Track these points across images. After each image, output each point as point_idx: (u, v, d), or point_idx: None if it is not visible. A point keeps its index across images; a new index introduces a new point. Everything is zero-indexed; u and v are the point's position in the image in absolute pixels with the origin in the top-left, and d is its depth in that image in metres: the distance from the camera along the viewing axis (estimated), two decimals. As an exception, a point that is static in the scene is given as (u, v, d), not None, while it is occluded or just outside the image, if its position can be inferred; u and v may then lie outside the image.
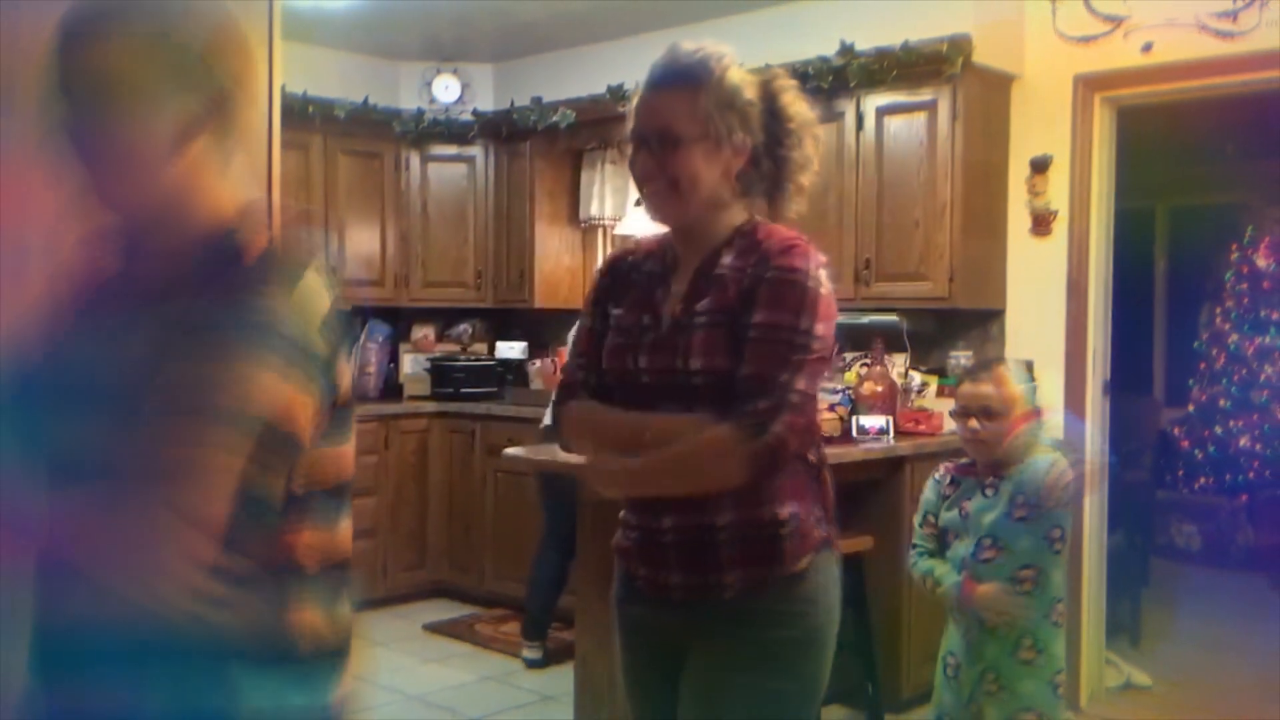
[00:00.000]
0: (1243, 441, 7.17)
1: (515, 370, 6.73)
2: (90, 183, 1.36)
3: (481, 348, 6.93)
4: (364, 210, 6.46)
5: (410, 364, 6.72)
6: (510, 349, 6.80)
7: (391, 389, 6.67)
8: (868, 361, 4.95)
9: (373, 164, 6.51)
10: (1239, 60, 4.35)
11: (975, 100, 4.74)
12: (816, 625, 2.01)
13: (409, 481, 6.26)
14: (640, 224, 6.00)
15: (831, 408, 4.59)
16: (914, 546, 3.30)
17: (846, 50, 4.88)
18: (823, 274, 1.95)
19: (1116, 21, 4.61)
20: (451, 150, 6.64)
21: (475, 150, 6.65)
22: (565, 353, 5.49)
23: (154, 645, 1.26)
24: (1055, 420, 4.68)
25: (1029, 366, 4.71)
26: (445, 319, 6.96)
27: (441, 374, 6.53)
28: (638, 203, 2.13)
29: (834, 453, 4.21)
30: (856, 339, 5.13)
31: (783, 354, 1.89)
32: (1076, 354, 4.77)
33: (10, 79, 1.66)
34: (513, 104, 6.47)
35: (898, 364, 5.04)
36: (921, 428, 4.77)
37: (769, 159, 2.05)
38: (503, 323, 7.00)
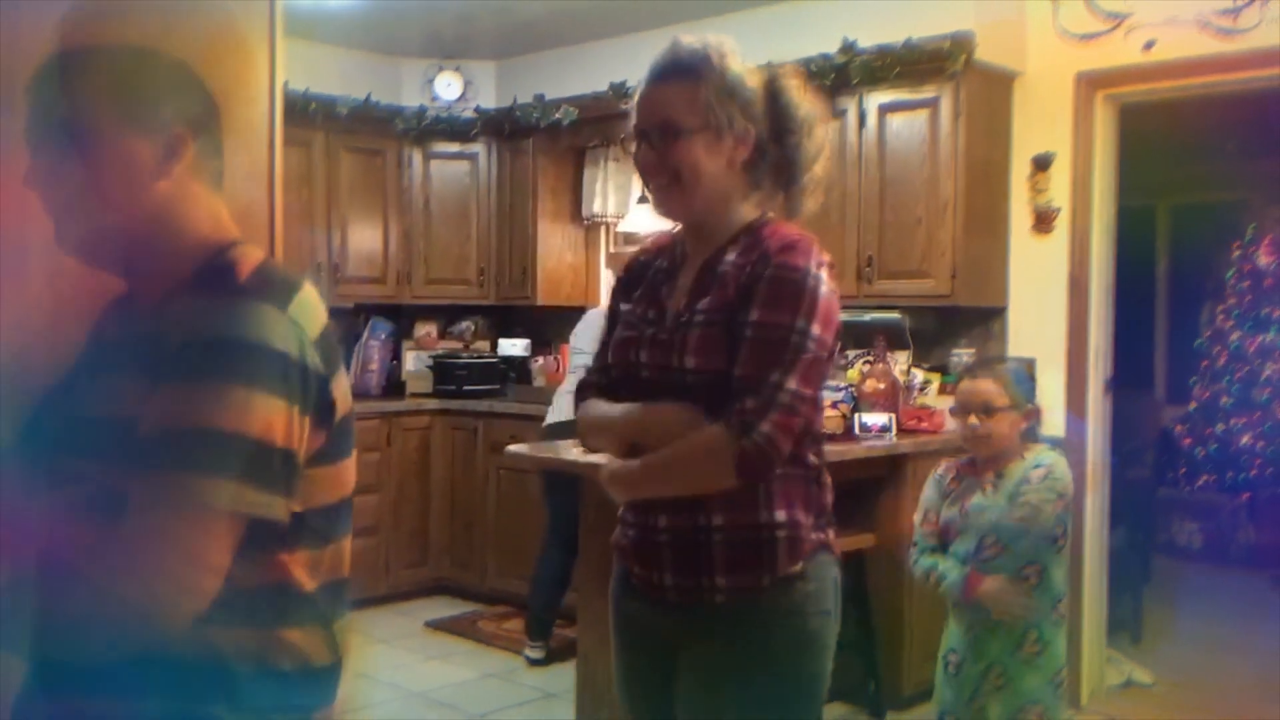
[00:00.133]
0: (1244, 440, 7.17)
1: (518, 367, 6.73)
2: (62, 231, 1.35)
3: (484, 345, 6.93)
4: (366, 208, 6.46)
5: (413, 361, 6.73)
6: (513, 346, 6.81)
7: (394, 386, 6.67)
8: (870, 359, 4.95)
9: (375, 161, 6.51)
10: (1241, 58, 4.34)
11: (977, 98, 4.74)
12: (811, 629, 1.99)
13: (411, 479, 6.27)
14: (643, 221, 6.00)
15: (834, 405, 4.59)
16: (915, 544, 3.30)
17: (848, 48, 4.88)
18: (824, 273, 1.92)
19: (1118, 19, 4.61)
20: (454, 148, 6.64)
21: (478, 147, 6.65)
22: (568, 350, 5.50)
23: (147, 659, 1.25)
24: (1055, 418, 4.71)
25: (1029, 365, 4.73)
26: (448, 316, 6.97)
27: (444, 371, 6.53)
28: (641, 199, 2.13)
29: (836, 450, 4.25)
30: (858, 337, 5.13)
31: (775, 353, 1.86)
32: (1078, 352, 4.77)
33: (10, 79, 1.67)
34: (515, 101, 6.47)
35: (900, 362, 5.04)
36: (924, 425, 4.77)
37: (776, 150, 2.02)
38: (505, 320, 7.00)
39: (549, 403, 5.36)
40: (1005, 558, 3.07)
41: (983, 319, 5.01)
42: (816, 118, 2.05)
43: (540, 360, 6.73)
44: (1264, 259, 7.36)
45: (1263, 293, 7.32)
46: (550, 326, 6.73)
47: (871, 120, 4.92)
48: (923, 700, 3.91)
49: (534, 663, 5.17)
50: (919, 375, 5.01)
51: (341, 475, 1.42)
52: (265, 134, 2.38)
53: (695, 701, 2.00)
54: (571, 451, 4.11)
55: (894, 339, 5.06)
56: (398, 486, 6.18)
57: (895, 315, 5.06)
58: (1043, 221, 4.83)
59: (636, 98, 2.03)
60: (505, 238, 6.62)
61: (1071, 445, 4.73)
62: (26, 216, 1.64)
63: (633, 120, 2.03)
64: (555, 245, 6.59)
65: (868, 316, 5.06)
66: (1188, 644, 5.57)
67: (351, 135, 6.35)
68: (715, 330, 1.93)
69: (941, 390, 4.86)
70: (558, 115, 6.17)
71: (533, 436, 5.24)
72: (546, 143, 6.41)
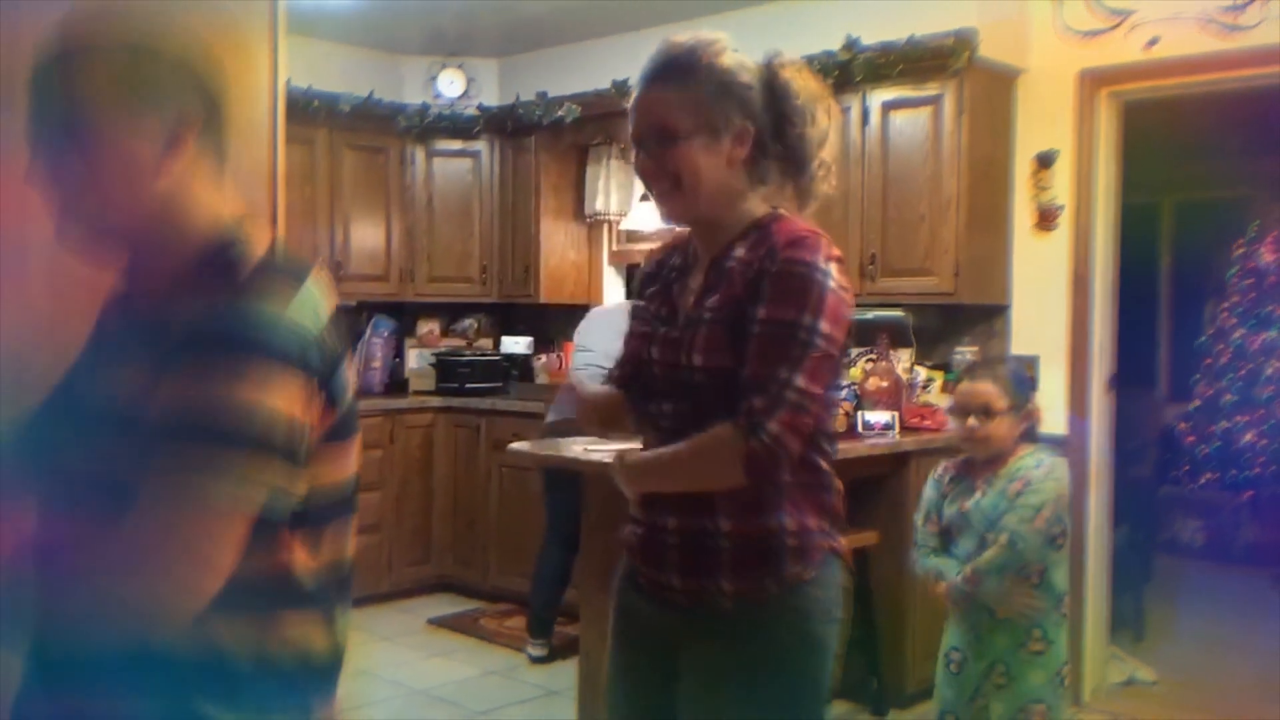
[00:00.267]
0: (1247, 437, 7.16)
1: (520, 365, 6.73)
2: (69, 209, 1.35)
3: (486, 343, 6.93)
4: (369, 205, 6.46)
5: (415, 359, 6.73)
6: (515, 344, 6.81)
7: (397, 384, 6.68)
8: (873, 357, 4.94)
9: (377, 159, 6.51)
10: (1244, 55, 4.34)
11: (980, 95, 4.74)
12: (817, 634, 1.97)
13: (414, 476, 6.27)
14: (646, 218, 6.01)
15: (837, 403, 4.58)
16: (917, 545, 3.31)
17: (851, 45, 4.88)
18: (833, 268, 1.88)
19: (1121, 17, 4.60)
20: (456, 145, 6.64)
21: (480, 145, 6.65)
22: (571, 348, 5.50)
23: (148, 650, 1.25)
24: (1057, 416, 4.70)
25: (1029, 364, 4.73)
26: (450, 314, 6.97)
27: (446, 369, 6.53)
28: (644, 197, 2.12)
29: (839, 448, 4.23)
30: (861, 334, 5.12)
31: (783, 350, 1.83)
32: (1080, 349, 4.76)
33: (10, 79, 1.66)
34: (518, 99, 6.47)
35: (903, 359, 5.04)
36: (926, 423, 4.76)
37: (778, 143, 1.99)
38: (508, 318, 7.00)
39: (551, 400, 5.35)
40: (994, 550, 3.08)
41: (985, 317, 5.00)
42: (818, 102, 2.00)
43: (543, 358, 6.73)
44: (1267, 257, 7.35)
45: (1265, 290, 7.31)
46: (553, 324, 6.73)
47: (874, 118, 4.92)
48: (925, 698, 3.91)
49: (536, 660, 5.17)
50: (922, 373, 5.01)
51: (347, 455, 1.41)
52: (267, 132, 2.38)
53: (696, 701, 1.98)
54: (573, 449, 4.11)
55: (897, 337, 5.06)
56: (400, 484, 6.18)
57: (898, 313, 5.06)
58: (1045, 219, 4.82)
59: (631, 103, 2.00)
60: (508, 235, 6.62)
61: (1074, 443, 4.73)
62: (26, 216, 1.64)
63: (629, 126, 2.00)
64: (558, 243, 6.59)
65: (870, 314, 5.06)
66: (1190, 642, 5.57)
67: (354, 133, 6.34)
68: (721, 328, 1.91)
69: (945, 388, 4.86)
70: (560, 113, 6.17)
71: (536, 434, 5.24)
72: (549, 140, 6.41)
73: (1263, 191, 7.37)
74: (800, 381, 1.83)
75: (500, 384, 6.54)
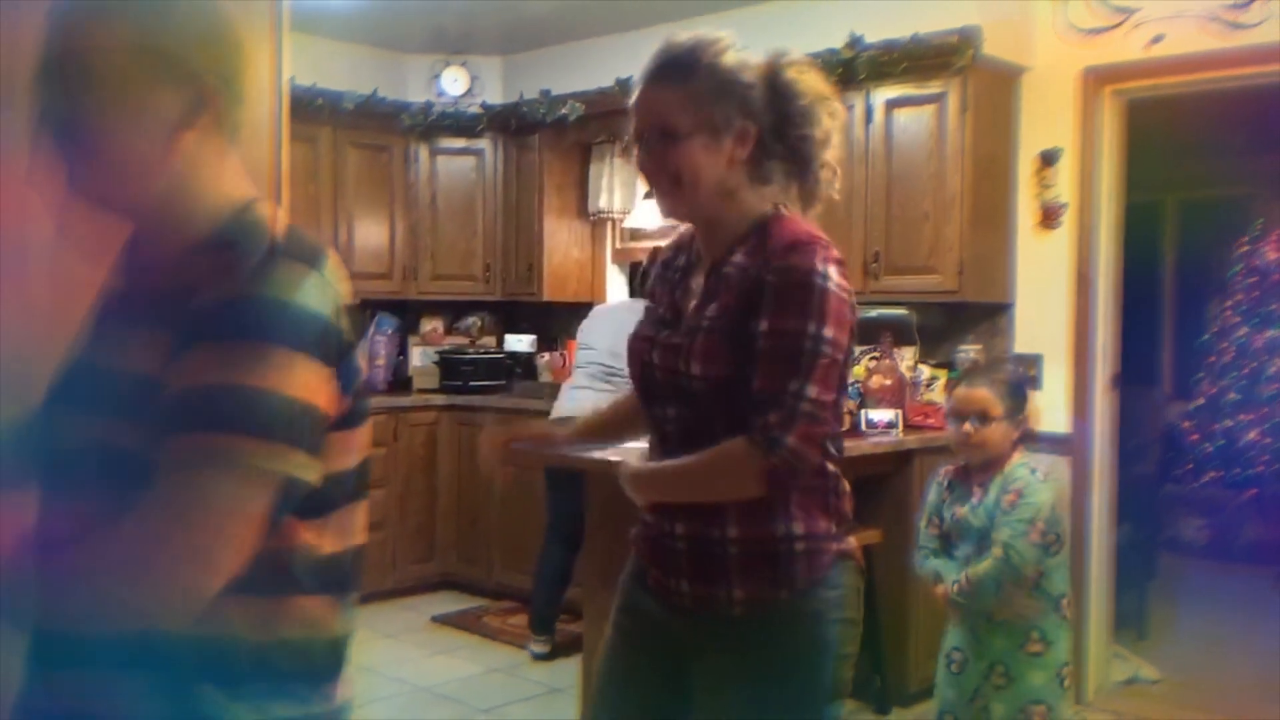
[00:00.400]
0: (1250, 436, 7.16)
1: (524, 363, 6.74)
2: (79, 181, 1.33)
3: (490, 341, 6.93)
4: (372, 203, 6.47)
5: (419, 357, 6.73)
6: (519, 342, 6.81)
7: (400, 382, 6.68)
8: (876, 355, 4.94)
9: (381, 157, 6.51)
10: (1249, 53, 4.33)
11: (984, 93, 4.74)
12: (830, 636, 1.94)
13: (417, 474, 6.27)
14: (649, 217, 6.00)
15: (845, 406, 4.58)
16: (919, 547, 3.32)
17: (855, 43, 4.88)
18: (833, 271, 1.85)
19: (1125, 14, 4.60)
20: (460, 143, 6.64)
21: (483, 143, 6.65)
22: (574, 346, 5.50)
23: (149, 643, 1.24)
24: (1057, 416, 4.70)
25: (1031, 363, 4.73)
26: (453, 312, 6.97)
27: (450, 367, 6.54)
28: (647, 195, 2.11)
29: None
30: (865, 333, 5.11)
31: (791, 361, 1.82)
32: (1084, 347, 4.76)
33: (10, 79, 1.66)
34: (521, 97, 6.47)
35: (906, 358, 5.03)
36: (930, 421, 4.76)
37: (780, 143, 1.97)
38: (511, 316, 7.00)
39: (555, 398, 5.36)
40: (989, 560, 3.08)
41: (989, 315, 5.00)
42: (823, 104, 1.98)
43: (546, 356, 6.73)
44: (1270, 255, 7.34)
45: (1269, 288, 7.31)
46: (556, 322, 6.73)
47: (878, 116, 4.91)
48: (927, 697, 3.91)
49: (538, 657, 5.18)
50: (925, 371, 5.00)
51: (358, 441, 1.40)
52: (271, 129, 2.38)
53: (710, 708, 1.96)
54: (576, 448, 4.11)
55: (900, 335, 5.06)
56: (404, 482, 6.19)
57: (902, 311, 5.05)
58: (1049, 217, 4.82)
59: (632, 101, 1.98)
60: (511, 233, 6.62)
61: (1076, 441, 4.73)
62: (26, 216, 1.64)
63: (630, 124, 1.99)
64: (561, 241, 6.59)
65: (874, 312, 5.05)
66: (1193, 641, 5.57)
67: (357, 131, 6.35)
68: (717, 337, 1.89)
69: (947, 387, 4.86)
70: (564, 111, 6.17)
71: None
72: (552, 138, 6.41)
73: (1266, 190, 7.37)
74: (812, 392, 1.82)
75: (504, 382, 6.55)
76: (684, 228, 2.14)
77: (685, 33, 1.98)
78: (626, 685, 2.11)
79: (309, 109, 5.85)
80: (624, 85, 5.70)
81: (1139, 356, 6.23)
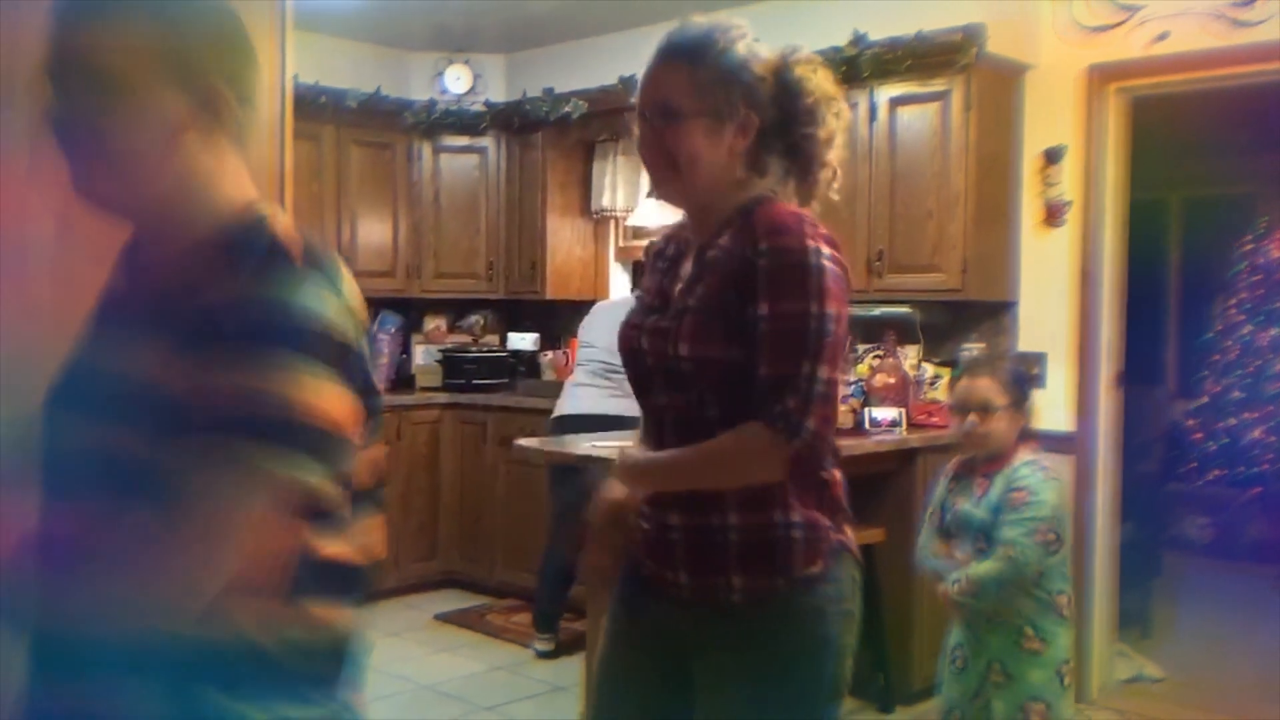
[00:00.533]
0: (1254, 434, 7.15)
1: (527, 362, 6.74)
2: (80, 179, 1.32)
3: (493, 339, 6.93)
4: (375, 201, 6.47)
5: (422, 355, 6.73)
6: (522, 340, 6.81)
7: (403, 380, 6.68)
8: (880, 353, 4.94)
9: (384, 155, 6.51)
10: (1254, 51, 4.32)
11: (988, 91, 4.73)
12: (830, 630, 1.94)
13: (421, 472, 6.27)
14: (653, 215, 6.00)
15: (844, 400, 4.58)
16: (922, 543, 3.31)
17: (859, 40, 4.87)
18: (824, 247, 1.84)
19: (1130, 12, 4.59)
20: (463, 141, 6.64)
21: (487, 141, 6.65)
22: (577, 344, 5.50)
23: (155, 645, 1.23)
24: (1061, 414, 4.70)
25: (1034, 362, 4.72)
26: (457, 310, 6.97)
27: (453, 365, 6.54)
28: (649, 194, 2.09)
29: (846, 445, 4.23)
30: (869, 331, 5.12)
31: (799, 344, 1.81)
32: (1088, 346, 4.76)
33: (10, 79, 1.66)
34: (524, 95, 6.47)
35: (910, 356, 5.03)
36: (934, 420, 4.76)
37: (782, 139, 1.97)
38: (514, 314, 7.00)
39: (558, 396, 5.35)
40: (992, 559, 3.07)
41: (993, 313, 4.99)
42: (829, 104, 1.97)
43: (549, 354, 6.73)
44: (1274, 253, 7.34)
45: (1273, 286, 7.30)
46: (559, 321, 6.73)
47: (882, 113, 4.91)
48: (931, 695, 3.91)
49: (542, 655, 5.18)
50: (929, 370, 5.00)
51: (376, 455, 1.40)
52: (274, 127, 2.38)
53: (714, 703, 1.95)
54: (579, 445, 4.11)
55: (904, 333, 5.05)
56: (407, 480, 6.19)
57: (905, 309, 5.05)
58: (1053, 215, 4.81)
59: (641, 75, 1.98)
60: (514, 232, 6.61)
61: (1080, 440, 4.73)
62: (26, 216, 1.63)
63: (635, 99, 1.98)
64: (564, 239, 6.58)
65: (878, 311, 5.06)
66: (1197, 639, 5.56)
67: (361, 129, 6.35)
68: (703, 318, 1.89)
69: (950, 383, 4.85)
70: (567, 109, 6.17)
71: (542, 430, 5.24)
72: (555, 136, 6.41)
73: (1270, 188, 7.36)
74: (824, 372, 1.82)
75: (506, 380, 6.55)
76: (679, 220, 2.13)
77: (703, 18, 1.98)
78: (627, 684, 2.10)
79: (312, 107, 5.84)
80: (627, 83, 5.68)
81: (1143, 355, 6.21)
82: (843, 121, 2.01)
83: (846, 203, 4.89)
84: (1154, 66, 4.58)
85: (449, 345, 6.74)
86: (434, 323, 6.89)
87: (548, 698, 4.75)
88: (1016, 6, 4.82)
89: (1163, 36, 4.52)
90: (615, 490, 2.04)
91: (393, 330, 6.62)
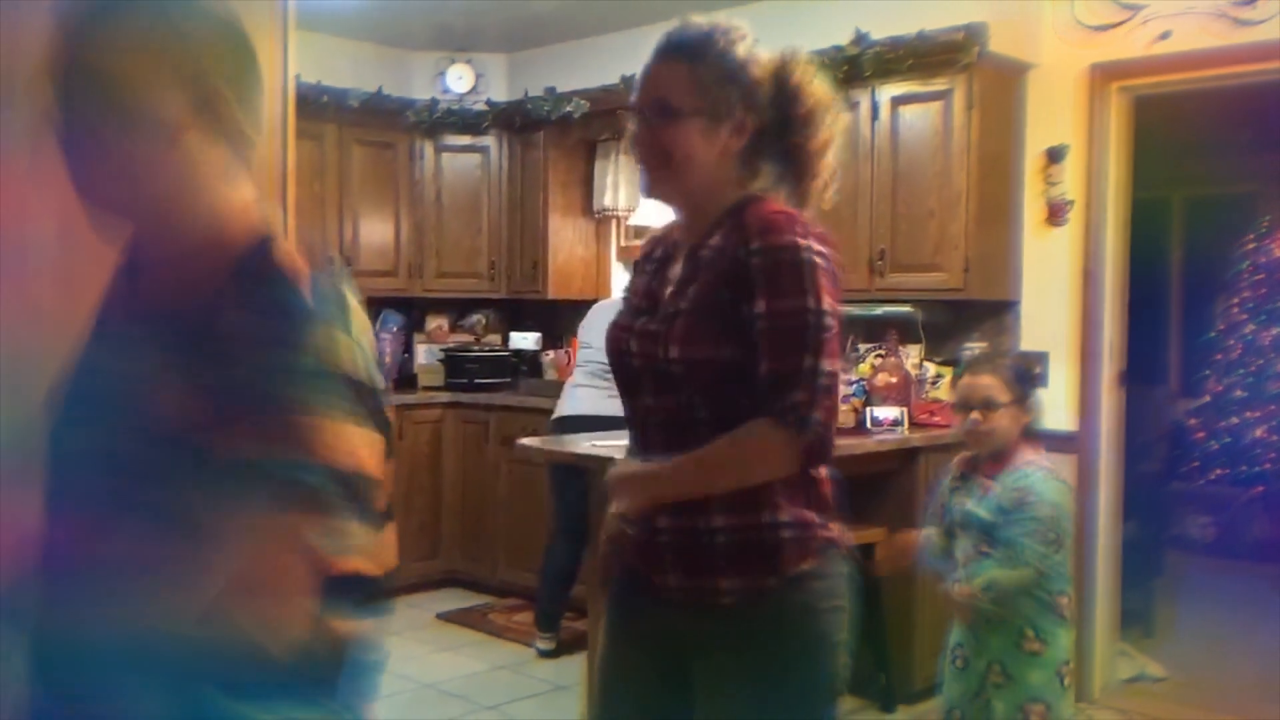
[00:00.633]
0: (1257, 433, 7.15)
1: (529, 361, 6.74)
2: (81, 181, 1.32)
3: (495, 338, 6.94)
4: (377, 200, 6.47)
5: (424, 354, 6.74)
6: (524, 340, 6.82)
7: (405, 379, 6.68)
8: (882, 353, 4.94)
9: (386, 154, 6.51)
10: (1256, 50, 4.32)
11: (990, 89, 4.73)
12: (823, 626, 1.94)
13: (423, 471, 6.28)
14: (655, 214, 6.00)
15: (845, 399, 4.58)
16: (925, 542, 3.31)
17: (861, 40, 4.87)
18: (815, 243, 1.86)
19: (1133, 11, 4.59)
20: (465, 140, 6.64)
21: (489, 140, 6.65)
22: (578, 343, 5.50)
23: (151, 660, 1.23)
24: (1064, 414, 4.69)
25: (1036, 361, 4.72)
26: (459, 309, 6.98)
27: (455, 364, 6.54)
28: (642, 191, 2.09)
29: (847, 444, 4.24)
30: (871, 330, 5.12)
31: (799, 340, 1.82)
32: (1090, 345, 4.75)
33: (10, 79, 1.66)
34: (526, 94, 6.47)
35: (912, 355, 5.03)
36: (936, 419, 4.76)
37: (777, 143, 1.97)
38: (516, 313, 7.01)
39: (559, 396, 5.35)
40: (1000, 561, 3.06)
41: (995, 312, 4.99)
42: (826, 110, 1.98)
43: (551, 354, 6.73)
44: (1277, 252, 7.34)
45: (1275, 285, 7.30)
46: (561, 320, 6.73)
47: (884, 113, 4.90)
48: (932, 694, 3.91)
49: (543, 654, 5.18)
50: (931, 369, 5.00)
51: (387, 472, 1.39)
52: (277, 127, 2.38)
53: (714, 706, 1.95)
54: (581, 445, 4.11)
55: (906, 333, 5.05)
56: (409, 479, 6.19)
57: (907, 308, 5.05)
58: (1055, 214, 4.81)
59: (639, 72, 1.99)
60: (516, 231, 6.62)
61: (1083, 439, 4.72)
62: (27, 216, 1.63)
63: (632, 95, 1.99)
64: (566, 239, 6.59)
65: (879, 310, 5.05)
66: (1199, 638, 5.55)
67: (363, 128, 6.35)
68: (695, 319, 1.89)
69: (952, 381, 4.85)
70: (569, 108, 6.17)
71: (544, 430, 5.24)
72: (557, 136, 6.41)
73: (1272, 187, 7.36)
74: (826, 365, 1.84)
75: (508, 379, 6.56)
76: (670, 221, 2.13)
77: (704, 17, 1.98)
78: (627, 683, 2.10)
79: (314, 107, 5.84)
80: (629, 82, 5.64)
81: (1145, 354, 6.21)
82: (838, 129, 2.01)
83: (848, 202, 4.90)
84: (1156, 66, 4.57)
85: (451, 345, 6.75)
86: (436, 322, 6.89)
87: (549, 697, 4.75)
88: (1018, 6, 4.82)
89: (1165, 36, 4.51)
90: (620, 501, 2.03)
91: (395, 330, 6.63)
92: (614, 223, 6.75)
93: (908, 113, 4.86)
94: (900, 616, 4.48)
